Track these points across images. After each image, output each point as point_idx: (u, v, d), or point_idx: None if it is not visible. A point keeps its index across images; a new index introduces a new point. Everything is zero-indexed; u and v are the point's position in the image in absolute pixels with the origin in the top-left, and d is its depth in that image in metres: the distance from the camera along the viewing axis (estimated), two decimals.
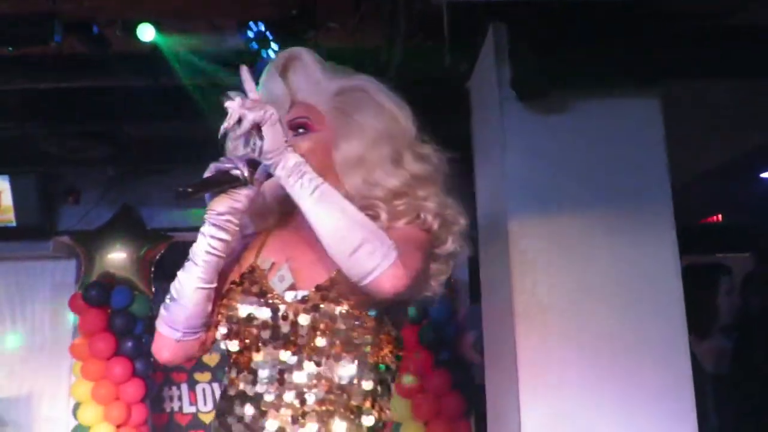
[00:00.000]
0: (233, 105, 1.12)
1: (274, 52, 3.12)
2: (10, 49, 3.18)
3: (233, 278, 1.26)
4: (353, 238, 1.08)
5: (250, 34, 3.05)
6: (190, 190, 1.12)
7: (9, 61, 3.28)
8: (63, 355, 4.96)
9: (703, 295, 2.81)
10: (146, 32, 3.07)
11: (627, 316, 2.51)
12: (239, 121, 1.12)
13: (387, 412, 1.22)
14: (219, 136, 1.20)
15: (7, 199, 4.88)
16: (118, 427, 4.54)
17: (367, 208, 1.21)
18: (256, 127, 1.11)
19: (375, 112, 1.26)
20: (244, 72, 1.19)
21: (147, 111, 3.61)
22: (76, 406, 4.60)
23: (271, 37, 3.08)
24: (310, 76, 1.31)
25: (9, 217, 4.92)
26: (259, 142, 1.12)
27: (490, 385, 3.06)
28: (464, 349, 4.48)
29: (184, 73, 3.04)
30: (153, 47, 3.14)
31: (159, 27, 3.10)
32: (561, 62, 2.43)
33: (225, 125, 1.14)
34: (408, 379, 4.45)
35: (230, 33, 3.17)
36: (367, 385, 1.17)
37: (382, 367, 1.20)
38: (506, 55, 2.51)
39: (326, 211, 1.11)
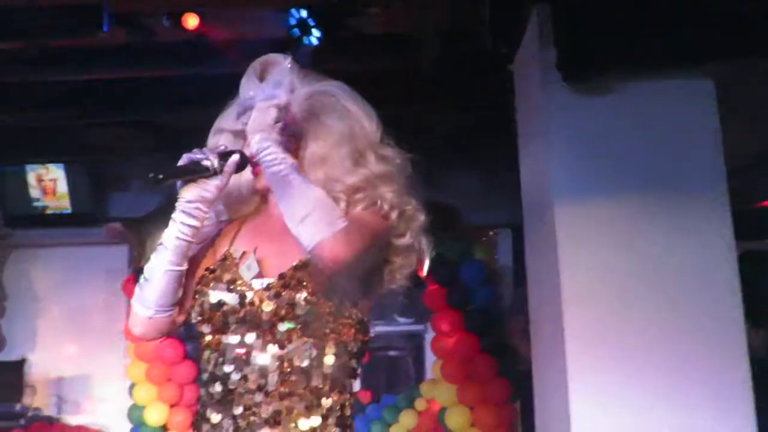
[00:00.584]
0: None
1: (316, 38, 3.12)
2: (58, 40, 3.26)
3: (207, 265, 1.36)
4: (303, 208, 1.18)
5: (292, 22, 3.05)
6: (161, 176, 1.20)
7: (60, 52, 3.37)
8: (117, 338, 5.14)
9: (760, 282, 2.70)
10: (190, 21, 3.11)
11: (680, 303, 2.44)
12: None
13: (347, 394, 1.31)
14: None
15: (63, 187, 5.06)
16: (172, 406, 4.69)
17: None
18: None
19: (340, 115, 1.34)
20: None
21: (192, 99, 3.66)
22: (132, 387, 4.77)
23: (312, 24, 3.08)
24: (285, 80, 1.38)
25: (65, 204, 5.10)
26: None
27: (537, 371, 3.02)
28: (512, 335, 4.44)
29: (227, 62, 3.06)
30: (197, 36, 3.17)
31: (203, 16, 3.13)
32: (608, 42, 2.36)
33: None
34: None
35: (272, 21, 3.18)
36: (327, 368, 1.26)
37: (342, 350, 1.28)
38: (551, 37, 2.44)
39: (285, 186, 1.22)
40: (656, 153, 2.51)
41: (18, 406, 4.85)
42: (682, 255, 2.46)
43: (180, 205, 1.26)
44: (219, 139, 1.41)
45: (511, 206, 4.00)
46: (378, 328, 5.22)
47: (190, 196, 1.25)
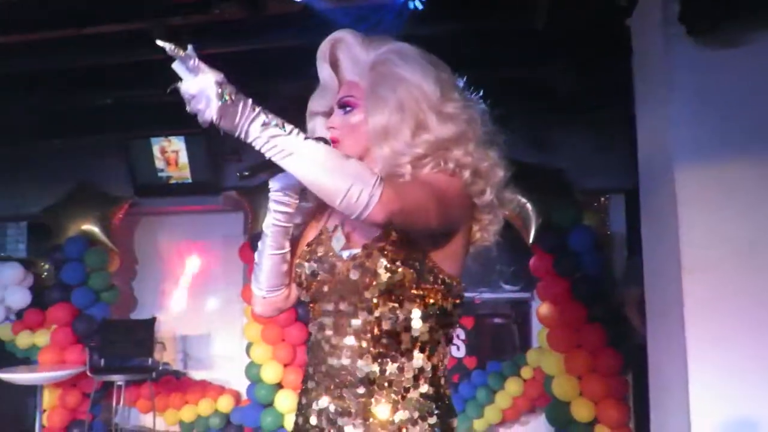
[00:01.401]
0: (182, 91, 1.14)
1: (421, 2, 3.08)
2: (178, 18, 3.44)
3: (308, 241, 1.44)
4: (338, 187, 1.12)
5: None
6: (246, 173, 1.29)
7: (176, 30, 3.55)
8: (235, 299, 5.45)
9: None
10: None
11: None
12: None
13: (440, 355, 1.33)
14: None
15: (184, 158, 5.37)
16: (285, 365, 4.94)
17: (394, 173, 1.27)
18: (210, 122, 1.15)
19: (394, 84, 1.30)
20: (166, 46, 1.14)
21: (301, 70, 3.75)
22: (249, 346, 5.06)
23: None
24: (352, 55, 1.39)
25: (186, 174, 5.42)
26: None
27: (652, 344, 2.91)
28: (624, 305, 4.28)
29: (333, 31, 3.10)
30: (304, 7, 3.23)
31: None
32: None
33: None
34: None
35: None
36: (415, 331, 1.29)
37: (429, 314, 1.30)
38: None
39: (302, 169, 1.15)
40: None
41: (150, 361, 5.26)
42: None
43: (271, 195, 1.35)
44: (315, 123, 1.45)
45: (625, 170, 3.82)
46: (484, 295, 5.20)
47: (278, 185, 1.34)
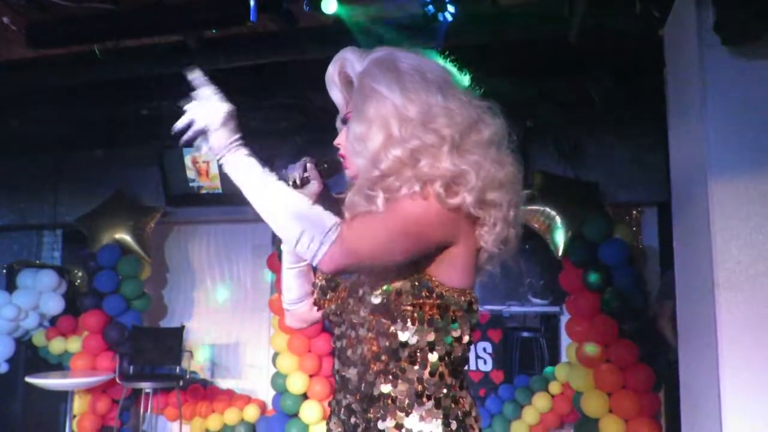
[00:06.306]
0: (189, 108, 1.30)
1: (451, 14, 3.10)
2: (214, 31, 3.51)
3: None
4: (292, 230, 1.21)
5: None
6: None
7: (211, 42, 3.62)
8: (263, 309, 5.48)
9: None
10: (329, 5, 3.20)
11: None
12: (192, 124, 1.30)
13: (447, 371, 1.30)
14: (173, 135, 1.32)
15: (214, 168, 5.44)
16: (311, 376, 4.95)
17: (367, 198, 1.28)
18: (203, 132, 1.29)
19: (366, 97, 1.30)
20: (194, 76, 1.32)
21: None
22: (275, 356, 5.08)
23: (447, 0, 3.06)
24: (355, 72, 1.39)
25: (216, 185, 5.48)
26: (207, 144, 1.30)
27: (684, 360, 2.85)
28: (657, 320, 4.20)
29: (365, 43, 3.12)
30: (336, 19, 3.27)
31: None
32: None
33: (176, 126, 1.31)
34: (590, 349, 4.30)
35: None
36: (411, 347, 1.29)
37: (425, 328, 1.28)
38: None
39: (263, 208, 1.25)
40: None
41: (178, 369, 5.31)
42: None
43: None
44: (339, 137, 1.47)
45: (659, 182, 3.77)
46: (512, 308, 5.16)
47: None
